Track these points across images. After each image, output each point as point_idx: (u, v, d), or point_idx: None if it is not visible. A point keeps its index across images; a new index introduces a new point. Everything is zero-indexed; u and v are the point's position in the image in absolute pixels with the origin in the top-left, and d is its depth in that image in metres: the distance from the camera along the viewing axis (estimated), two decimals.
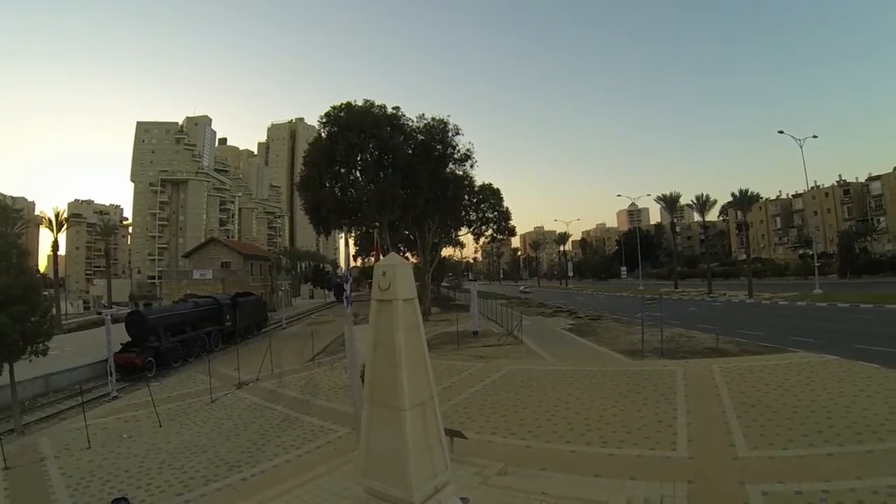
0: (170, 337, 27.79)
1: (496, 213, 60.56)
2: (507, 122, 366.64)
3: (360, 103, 39.62)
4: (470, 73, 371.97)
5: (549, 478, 9.37)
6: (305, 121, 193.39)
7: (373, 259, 66.13)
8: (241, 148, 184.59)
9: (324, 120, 39.72)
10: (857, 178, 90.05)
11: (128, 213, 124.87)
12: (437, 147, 41.50)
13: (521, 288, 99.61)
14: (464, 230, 60.21)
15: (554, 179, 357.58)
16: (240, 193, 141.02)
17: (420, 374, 5.79)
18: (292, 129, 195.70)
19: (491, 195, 59.09)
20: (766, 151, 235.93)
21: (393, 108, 40.52)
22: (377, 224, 39.07)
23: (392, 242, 45.16)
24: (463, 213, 54.86)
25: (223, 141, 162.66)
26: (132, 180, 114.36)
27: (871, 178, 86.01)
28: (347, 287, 11.21)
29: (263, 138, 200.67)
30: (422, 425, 5.62)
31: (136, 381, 23.36)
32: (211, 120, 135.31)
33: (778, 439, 10.99)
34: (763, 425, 11.92)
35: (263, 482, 10.25)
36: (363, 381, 15.27)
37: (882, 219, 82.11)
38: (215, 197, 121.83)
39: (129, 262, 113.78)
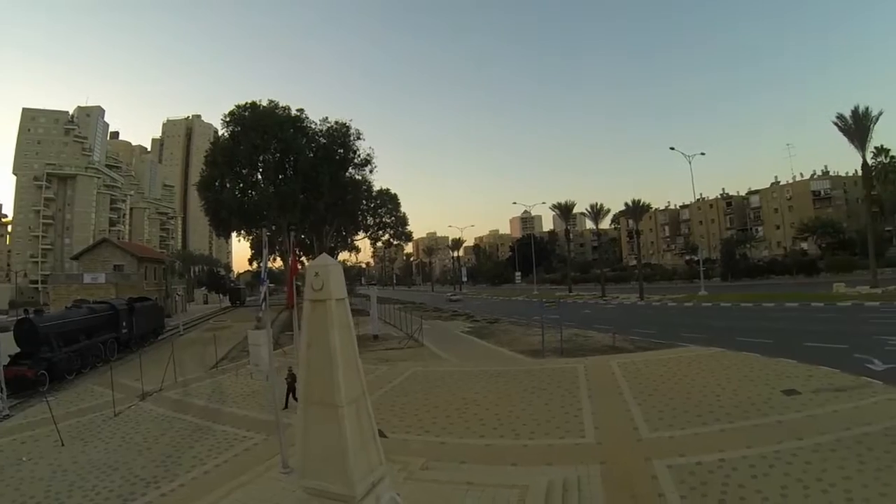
0: (63, 347, 25.24)
1: (393, 218, 60.83)
2: (401, 127, 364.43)
3: (264, 103, 38.95)
4: (367, 76, 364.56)
5: (469, 469, 9.81)
6: (203, 118, 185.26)
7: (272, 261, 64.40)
8: (133, 143, 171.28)
9: (227, 119, 38.50)
10: (738, 192, 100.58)
11: (7, 209, 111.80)
12: (339, 151, 41.33)
13: (449, 295, 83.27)
14: (361, 234, 60.00)
15: (447, 186, 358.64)
16: (132, 192, 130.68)
17: (353, 372, 5.96)
18: (189, 127, 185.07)
19: (388, 200, 59.23)
20: (658, 164, 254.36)
21: (297, 111, 40.25)
22: (292, 227, 38.23)
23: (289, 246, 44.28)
24: (360, 218, 54.76)
25: (115, 134, 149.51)
26: (14, 173, 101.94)
27: (751, 192, 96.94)
28: (264, 289, 10.87)
29: (158, 134, 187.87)
30: (357, 421, 5.78)
31: (29, 396, 21.01)
32: (104, 111, 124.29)
33: (676, 421, 12.31)
34: (661, 410, 13.22)
35: (186, 496, 9.88)
36: (290, 383, 15.05)
37: (760, 229, 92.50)
38: (106, 195, 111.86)
39: (9, 265, 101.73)
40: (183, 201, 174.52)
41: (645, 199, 63.08)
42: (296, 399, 15.57)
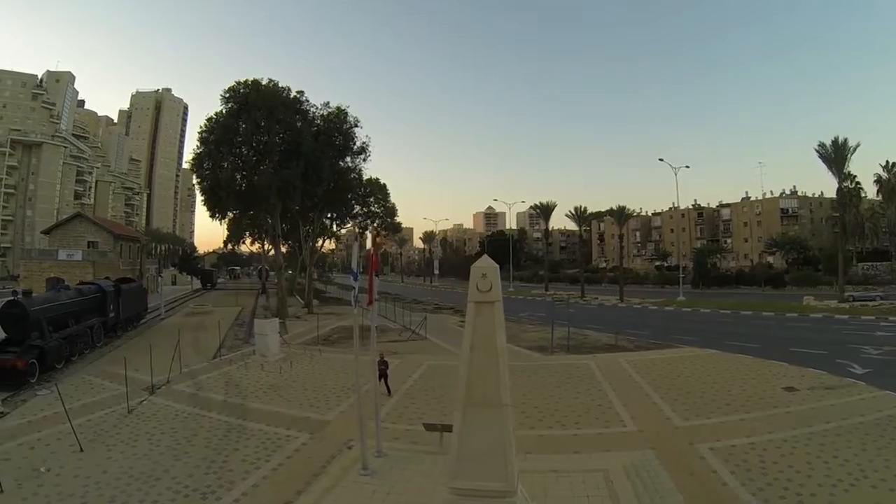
0: (52, 332, 22.54)
1: (382, 207, 60.73)
2: (365, 117, 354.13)
3: (263, 81, 38.06)
4: (342, 64, 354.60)
5: (537, 459, 10.61)
6: (173, 92, 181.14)
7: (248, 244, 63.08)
8: (100, 114, 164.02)
9: (227, 95, 37.45)
10: (709, 204, 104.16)
11: None
12: (339, 137, 41.22)
13: None
14: (350, 223, 59.80)
15: (411, 178, 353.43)
16: (98, 164, 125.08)
17: (507, 372, 6.45)
18: (158, 100, 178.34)
19: (378, 190, 59.01)
20: (624, 173, 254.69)
21: (297, 92, 39.61)
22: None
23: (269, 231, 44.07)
24: (349, 206, 54.69)
25: (81, 103, 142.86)
26: None
27: (722, 206, 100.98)
28: (356, 285, 10.66)
29: (126, 105, 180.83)
30: (511, 420, 6.30)
31: (18, 389, 18.00)
32: (74, 78, 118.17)
33: (701, 412, 13.86)
34: (684, 402, 14.67)
35: None
36: (383, 370, 15.28)
37: (729, 240, 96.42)
38: (72, 166, 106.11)
39: None
40: (149, 177, 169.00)
41: (615, 206, 66.43)
42: (388, 385, 16.09)
